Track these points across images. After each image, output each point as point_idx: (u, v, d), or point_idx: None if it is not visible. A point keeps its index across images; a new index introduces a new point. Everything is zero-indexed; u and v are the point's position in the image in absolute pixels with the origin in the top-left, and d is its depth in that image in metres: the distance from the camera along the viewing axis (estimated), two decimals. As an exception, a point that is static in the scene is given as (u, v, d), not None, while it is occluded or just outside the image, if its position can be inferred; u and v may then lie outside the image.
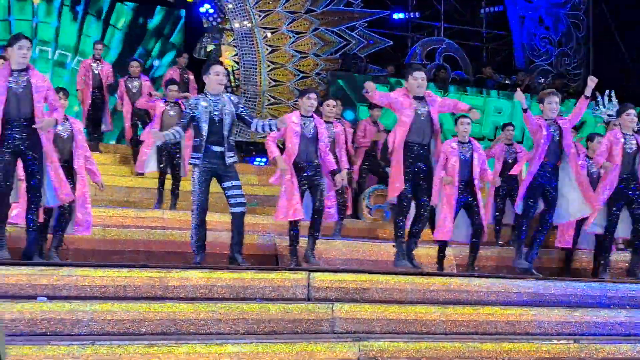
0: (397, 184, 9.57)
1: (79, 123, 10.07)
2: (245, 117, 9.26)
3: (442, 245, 10.79)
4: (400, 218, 9.74)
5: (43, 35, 21.36)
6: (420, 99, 9.69)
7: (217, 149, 9.05)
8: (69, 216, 9.47)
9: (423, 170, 9.65)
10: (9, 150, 8.55)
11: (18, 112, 8.57)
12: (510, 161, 12.97)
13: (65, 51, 21.67)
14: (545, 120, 10.34)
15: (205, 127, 9.01)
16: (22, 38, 8.70)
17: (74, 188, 9.39)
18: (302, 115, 10.10)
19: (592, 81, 10.23)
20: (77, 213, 9.51)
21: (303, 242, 10.15)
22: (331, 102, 11.86)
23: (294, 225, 10.04)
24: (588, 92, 10.22)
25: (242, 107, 9.28)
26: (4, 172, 8.49)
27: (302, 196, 9.93)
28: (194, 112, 9.05)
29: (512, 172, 11.51)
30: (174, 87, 13.60)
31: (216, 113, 9.05)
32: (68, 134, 9.68)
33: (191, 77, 16.99)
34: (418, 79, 9.67)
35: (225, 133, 9.09)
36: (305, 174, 9.96)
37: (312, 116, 10.16)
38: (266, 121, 9.41)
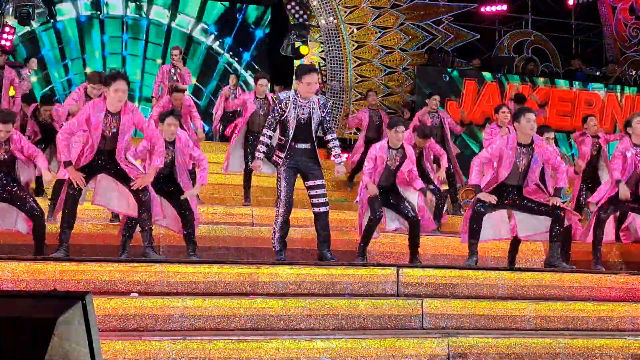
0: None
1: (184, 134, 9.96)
2: (326, 126, 9.24)
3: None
4: (476, 215, 9.57)
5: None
6: (527, 146, 9.45)
7: (302, 146, 9.07)
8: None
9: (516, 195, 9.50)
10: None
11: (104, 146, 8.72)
12: (595, 153, 12.77)
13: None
14: (635, 145, 10.22)
15: (292, 128, 9.01)
16: (119, 78, 8.63)
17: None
18: (390, 148, 10.05)
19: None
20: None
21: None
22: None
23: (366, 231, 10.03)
24: None
25: (327, 113, 9.24)
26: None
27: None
28: (283, 112, 9.03)
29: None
30: (264, 82, 13.47)
31: (304, 116, 9.06)
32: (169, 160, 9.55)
33: None
34: (531, 121, 9.40)
35: (312, 132, 9.09)
36: (384, 195, 9.96)
37: (401, 146, 10.10)
38: (335, 150, 9.37)
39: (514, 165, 9.40)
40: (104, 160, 8.74)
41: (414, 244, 9.95)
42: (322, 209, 9.13)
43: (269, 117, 9.24)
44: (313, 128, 9.09)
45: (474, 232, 9.57)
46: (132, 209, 8.86)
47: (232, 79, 17.99)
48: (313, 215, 9.24)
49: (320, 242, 9.18)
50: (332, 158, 9.32)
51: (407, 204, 9.95)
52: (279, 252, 9.18)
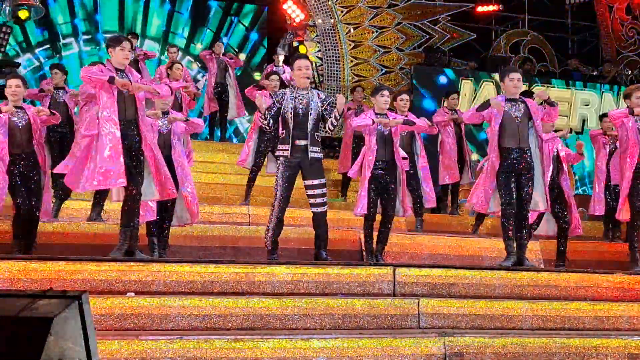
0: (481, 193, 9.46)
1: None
2: (325, 115, 9.08)
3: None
4: (506, 219, 9.47)
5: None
6: (515, 101, 9.45)
7: (300, 142, 8.96)
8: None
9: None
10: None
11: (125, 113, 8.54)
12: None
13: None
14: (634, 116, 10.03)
15: (290, 120, 8.94)
16: (123, 40, 8.73)
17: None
18: (377, 114, 9.99)
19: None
20: (192, 205, 9.50)
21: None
22: (405, 96, 11.88)
23: (367, 222, 9.97)
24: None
25: (327, 105, 9.11)
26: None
27: (375, 194, 9.88)
28: (280, 104, 9.00)
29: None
30: (276, 78, 13.45)
31: (301, 107, 8.98)
32: (167, 128, 9.56)
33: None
34: (514, 80, 9.42)
35: (310, 127, 9.00)
36: (377, 172, 9.82)
37: (386, 114, 10.08)
38: (332, 116, 9.05)
39: (509, 117, 9.33)
40: (135, 136, 8.55)
41: (381, 238, 9.90)
42: (319, 209, 9.02)
43: (269, 110, 9.11)
44: (310, 121, 8.98)
45: (507, 232, 9.51)
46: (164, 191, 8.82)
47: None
48: (311, 215, 9.20)
49: (317, 241, 9.15)
50: (334, 122, 8.99)
51: (391, 195, 9.82)
52: (271, 251, 9.14)
